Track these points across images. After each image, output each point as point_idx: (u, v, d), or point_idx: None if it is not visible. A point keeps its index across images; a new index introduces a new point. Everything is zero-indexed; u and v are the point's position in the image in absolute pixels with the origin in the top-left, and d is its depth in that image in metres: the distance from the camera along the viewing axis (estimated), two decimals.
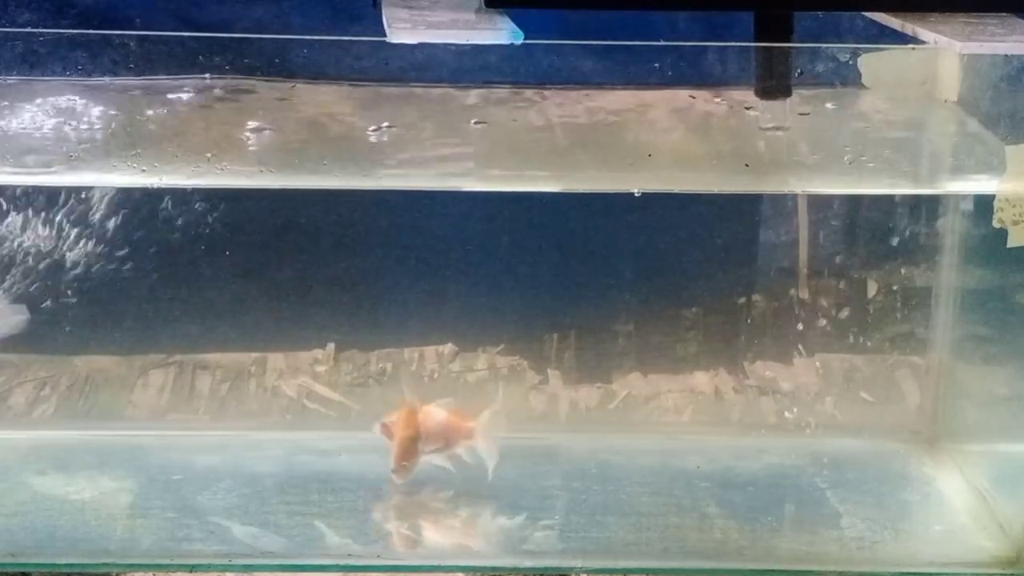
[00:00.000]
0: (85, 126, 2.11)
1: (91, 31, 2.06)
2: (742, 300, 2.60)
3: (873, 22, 2.13)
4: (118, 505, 2.26)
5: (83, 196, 2.40)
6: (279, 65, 2.09)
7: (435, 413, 2.31)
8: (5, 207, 2.41)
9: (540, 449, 2.48)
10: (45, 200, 2.41)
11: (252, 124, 2.16)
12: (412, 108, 2.26)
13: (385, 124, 2.19)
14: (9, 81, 2.09)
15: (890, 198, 2.46)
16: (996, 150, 2.14)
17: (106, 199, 2.41)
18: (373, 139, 2.18)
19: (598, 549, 2.17)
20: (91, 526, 2.22)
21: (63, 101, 2.13)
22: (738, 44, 2.09)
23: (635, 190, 2.18)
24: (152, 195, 2.38)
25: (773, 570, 2.15)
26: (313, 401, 2.58)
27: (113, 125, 2.13)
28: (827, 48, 2.05)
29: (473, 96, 2.26)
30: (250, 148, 2.13)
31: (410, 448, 2.27)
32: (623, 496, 2.32)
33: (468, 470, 2.32)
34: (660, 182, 2.25)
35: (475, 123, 2.25)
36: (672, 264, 2.61)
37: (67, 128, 2.12)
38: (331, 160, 2.17)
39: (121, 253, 2.44)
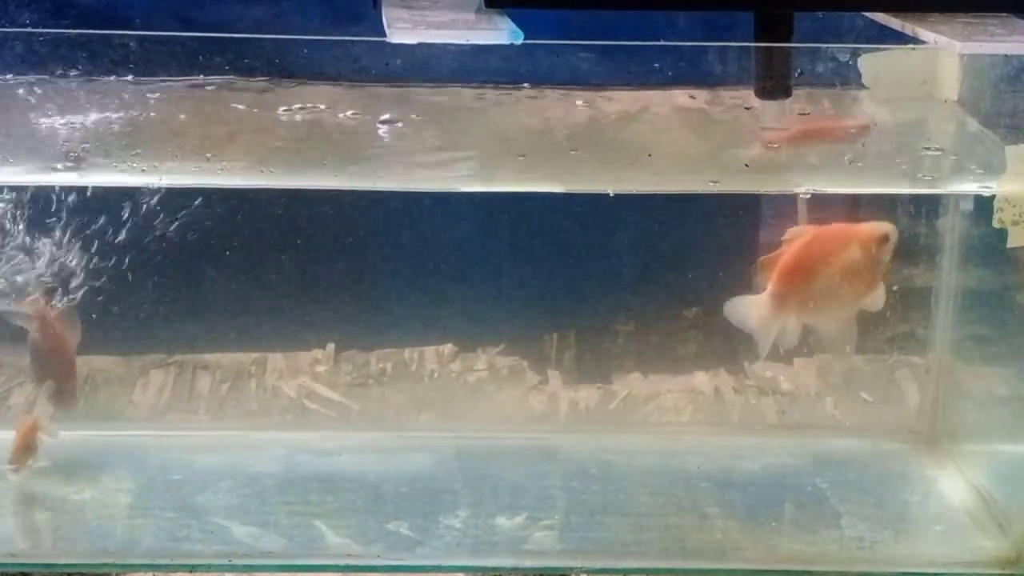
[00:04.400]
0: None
1: (91, 31, 2.05)
2: None
3: (873, 22, 2.13)
4: (118, 505, 2.26)
5: (81, 196, 2.40)
6: (279, 65, 2.09)
7: None
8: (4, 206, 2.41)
9: (540, 449, 2.48)
10: (44, 200, 2.40)
11: None
12: (412, 108, 2.26)
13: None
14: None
15: (890, 198, 2.46)
16: (996, 150, 2.14)
17: (106, 199, 2.41)
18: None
19: (598, 549, 2.17)
20: (91, 526, 2.22)
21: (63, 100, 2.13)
22: (738, 44, 2.09)
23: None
24: (152, 195, 2.38)
25: (773, 570, 2.15)
26: (313, 401, 2.58)
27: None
28: (827, 48, 2.05)
29: (473, 96, 2.25)
30: None
31: None
32: (623, 496, 2.32)
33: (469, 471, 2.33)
34: (660, 182, 2.25)
35: (474, 123, 2.25)
36: (672, 264, 2.61)
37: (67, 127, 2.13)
38: (331, 160, 2.18)
39: (121, 253, 2.44)
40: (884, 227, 2.16)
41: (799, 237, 2.16)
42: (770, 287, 2.17)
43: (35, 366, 2.35)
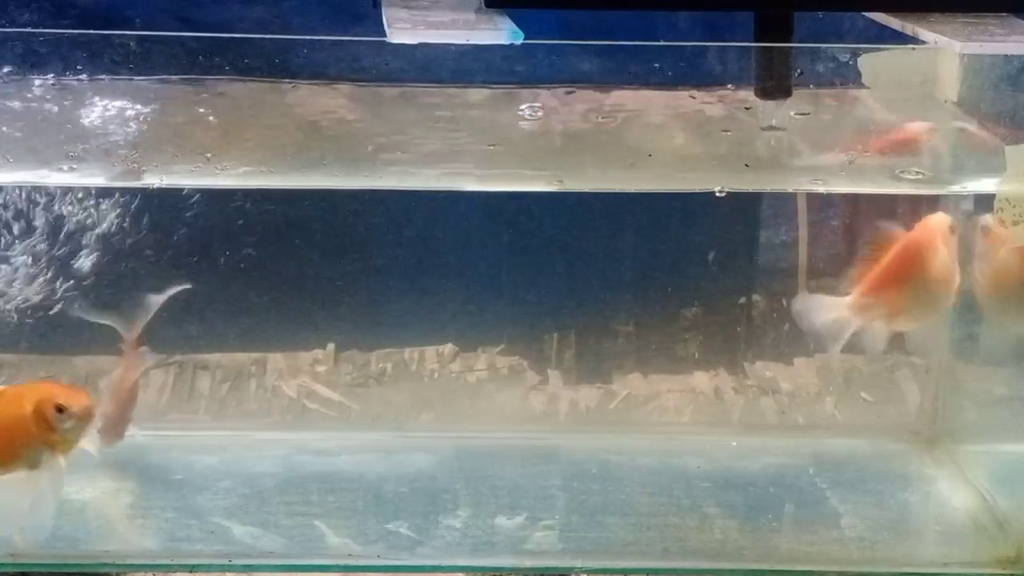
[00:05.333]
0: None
1: (91, 31, 2.06)
2: (742, 300, 2.60)
3: (873, 22, 2.13)
4: (118, 505, 2.26)
5: (82, 196, 2.40)
6: (279, 65, 2.09)
7: None
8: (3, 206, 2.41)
9: (540, 449, 2.48)
10: (43, 200, 2.41)
11: None
12: (413, 108, 2.26)
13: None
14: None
15: (891, 198, 2.46)
16: (995, 150, 2.14)
17: (106, 199, 2.41)
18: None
19: (598, 549, 2.17)
20: (91, 526, 2.22)
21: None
22: (738, 44, 2.09)
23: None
24: (152, 195, 2.38)
25: (773, 570, 2.15)
26: (313, 401, 2.58)
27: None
28: (827, 48, 2.05)
29: (473, 96, 2.26)
30: None
31: None
32: (623, 496, 2.32)
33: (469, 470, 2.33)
34: (660, 182, 2.25)
35: (474, 123, 2.25)
36: (672, 264, 2.61)
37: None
38: (331, 160, 2.18)
39: (121, 253, 2.44)
40: (945, 217, 2.18)
41: (889, 243, 2.16)
42: (856, 296, 2.18)
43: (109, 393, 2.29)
